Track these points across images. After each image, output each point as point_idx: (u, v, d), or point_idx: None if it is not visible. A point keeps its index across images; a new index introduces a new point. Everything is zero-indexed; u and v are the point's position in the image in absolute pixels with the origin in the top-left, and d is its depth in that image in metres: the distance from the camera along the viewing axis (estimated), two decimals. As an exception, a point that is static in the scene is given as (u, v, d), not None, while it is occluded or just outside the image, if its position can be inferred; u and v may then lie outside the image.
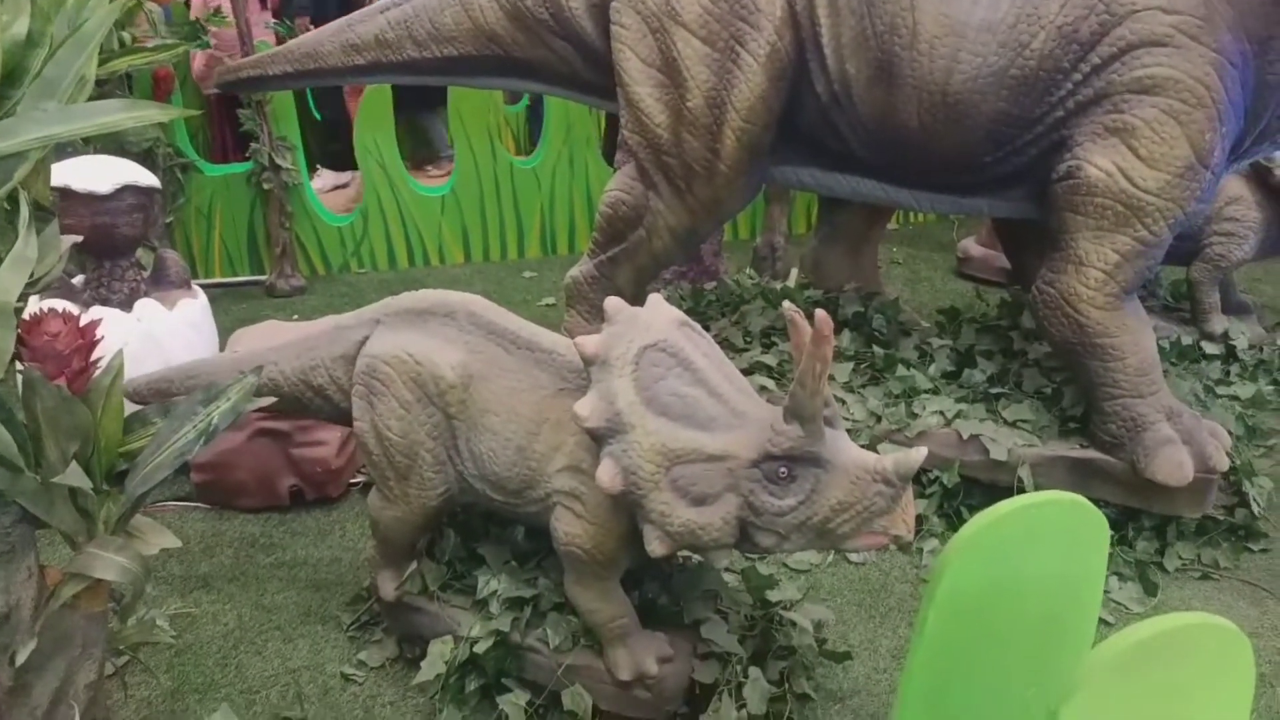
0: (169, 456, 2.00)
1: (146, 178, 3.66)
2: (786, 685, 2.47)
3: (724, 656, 2.41)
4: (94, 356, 2.03)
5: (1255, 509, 3.36)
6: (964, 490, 3.33)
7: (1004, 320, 3.93)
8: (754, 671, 2.40)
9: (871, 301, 4.05)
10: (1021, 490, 3.20)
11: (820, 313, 1.89)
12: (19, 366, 1.85)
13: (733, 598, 2.59)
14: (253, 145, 5.51)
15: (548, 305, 5.41)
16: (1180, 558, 3.24)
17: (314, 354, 2.60)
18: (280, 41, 5.53)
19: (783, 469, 2.03)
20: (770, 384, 3.61)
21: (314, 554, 3.22)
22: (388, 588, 2.62)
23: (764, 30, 3.27)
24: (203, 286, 4.03)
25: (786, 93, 3.36)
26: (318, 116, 7.10)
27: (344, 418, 2.59)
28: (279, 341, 2.73)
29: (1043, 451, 3.26)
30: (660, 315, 2.22)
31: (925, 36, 3.13)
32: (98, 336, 2.01)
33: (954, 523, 3.30)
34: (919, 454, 2.01)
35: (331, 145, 6.89)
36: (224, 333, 4.07)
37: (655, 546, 2.09)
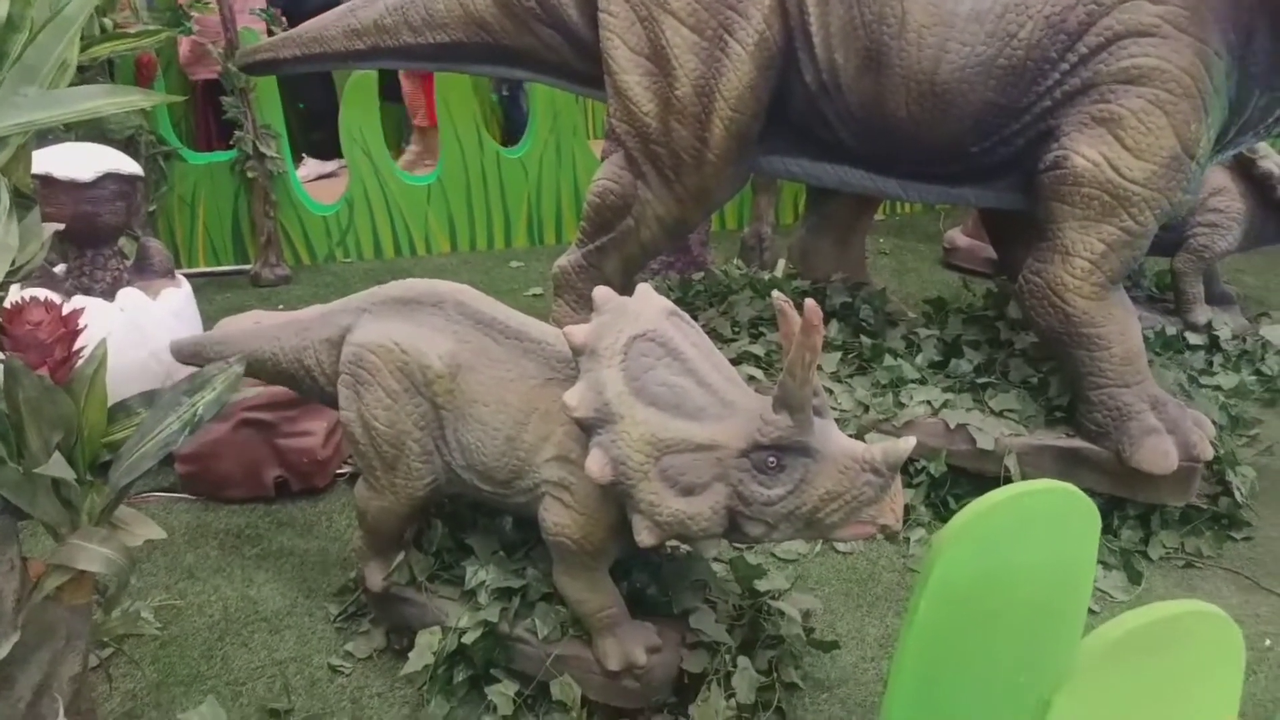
0: (154, 447, 1.98)
1: (129, 165, 3.62)
2: (775, 674, 2.47)
3: (713, 646, 2.41)
4: (77, 346, 2.00)
5: (1238, 498, 3.39)
6: (951, 480, 3.34)
7: (991, 310, 3.94)
8: (743, 661, 2.40)
9: (859, 292, 4.05)
10: (1008, 480, 3.22)
11: (809, 302, 1.89)
12: (0, 356, 1.82)
13: (721, 587, 2.59)
14: (237, 134, 5.46)
15: (534, 295, 5.39)
16: (1164, 546, 3.26)
17: (307, 335, 2.61)
18: (268, 29, 5.49)
19: (771, 458, 2.02)
20: (758, 374, 3.61)
21: (300, 545, 3.21)
22: (375, 578, 2.61)
23: (752, 19, 3.26)
24: (186, 276, 3.98)
25: (775, 82, 3.35)
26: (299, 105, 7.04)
27: (332, 402, 2.59)
28: (273, 322, 2.75)
29: (1029, 441, 3.27)
30: (649, 305, 2.21)
31: (913, 25, 3.12)
32: (81, 325, 1.99)
33: (941, 512, 3.32)
34: (907, 444, 2.02)
35: (314, 134, 6.83)
36: (208, 322, 4.03)
37: (644, 536, 2.09)
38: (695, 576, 2.55)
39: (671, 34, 3.32)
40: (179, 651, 2.70)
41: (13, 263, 1.80)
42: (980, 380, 3.51)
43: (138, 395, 2.08)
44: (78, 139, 4.09)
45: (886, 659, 2.73)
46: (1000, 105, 3.14)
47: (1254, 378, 4.30)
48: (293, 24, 5.01)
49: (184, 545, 3.18)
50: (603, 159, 3.65)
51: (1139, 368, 3.18)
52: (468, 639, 2.40)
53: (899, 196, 3.61)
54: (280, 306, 5.01)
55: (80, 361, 1.99)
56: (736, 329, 3.91)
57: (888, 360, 3.59)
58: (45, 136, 3.88)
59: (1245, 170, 4.51)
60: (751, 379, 3.55)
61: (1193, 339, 4.36)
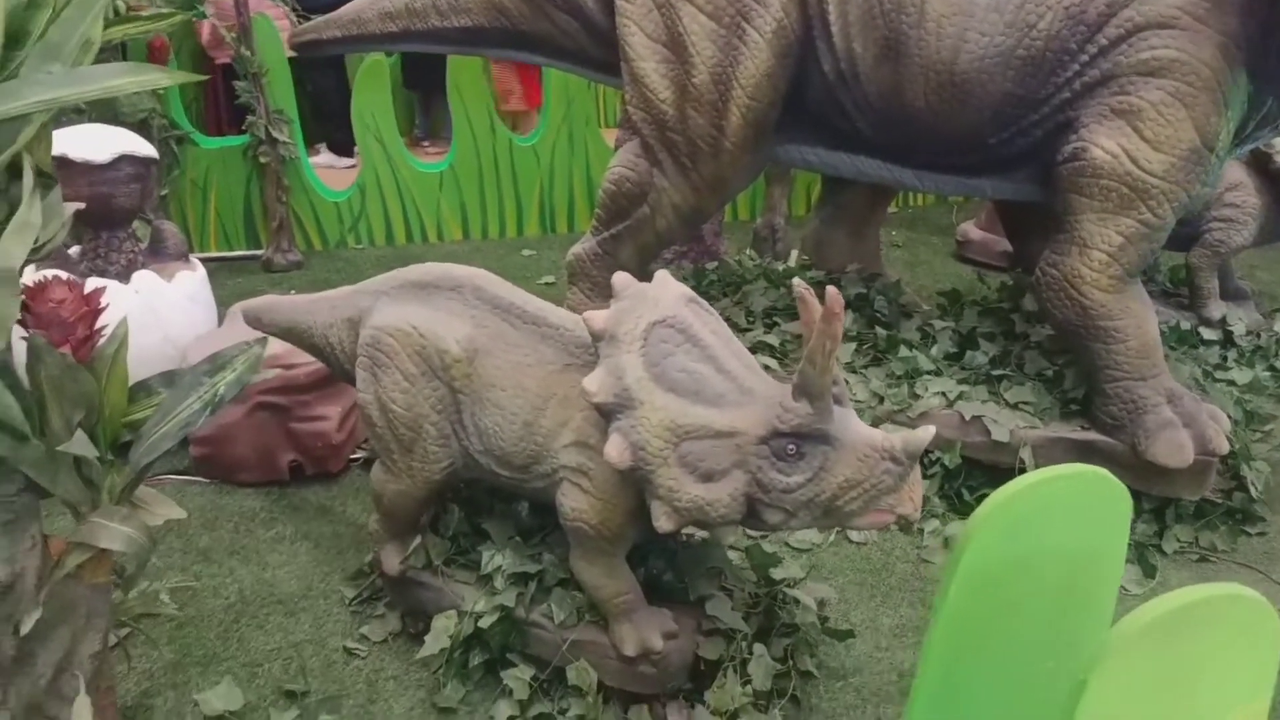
0: (174, 427, 1.98)
1: (144, 148, 3.63)
2: (790, 662, 2.48)
3: (729, 633, 2.41)
4: (97, 325, 2.00)
5: (1253, 492, 3.37)
6: (965, 472, 3.33)
7: (1006, 303, 3.92)
8: (758, 648, 2.40)
9: (874, 283, 4.04)
10: (1023, 471, 3.21)
11: (831, 290, 1.88)
12: (22, 333, 1.82)
13: (736, 575, 2.59)
14: (249, 118, 5.45)
15: (547, 284, 5.38)
16: (1178, 540, 3.25)
17: (334, 312, 2.64)
18: (295, 18, 5.50)
19: (791, 446, 2.02)
20: (773, 364, 3.60)
21: (314, 529, 3.21)
22: (391, 562, 2.61)
23: (771, 7, 3.25)
24: (198, 260, 3.99)
25: (793, 70, 3.34)
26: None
27: (354, 380, 2.60)
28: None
29: (1044, 433, 3.26)
30: (668, 291, 2.21)
31: (933, 15, 3.11)
32: (102, 304, 1.99)
33: (955, 504, 3.31)
34: (927, 433, 2.01)
35: (324, 122, 6.81)
36: (220, 306, 4.04)
37: (663, 522, 2.09)
38: (711, 564, 2.55)
39: (689, 21, 3.31)
40: (195, 632, 2.71)
41: (35, 241, 1.80)
42: (995, 372, 3.50)
43: (158, 375, 2.08)
44: (91, 121, 4.09)
45: (901, 649, 2.73)
46: (1019, 96, 3.13)
47: (1268, 373, 4.27)
48: (309, 14, 5.03)
49: (198, 528, 3.18)
50: (617, 147, 3.64)
51: (1155, 361, 3.17)
52: (484, 623, 2.40)
53: (915, 187, 3.60)
54: (292, 291, 5.00)
55: (101, 341, 1.99)
56: (751, 319, 3.90)
57: (903, 351, 3.58)
58: (60, 118, 3.87)
59: (1262, 165, 4.48)
60: (766, 368, 3.54)
61: (1207, 334, 4.34)
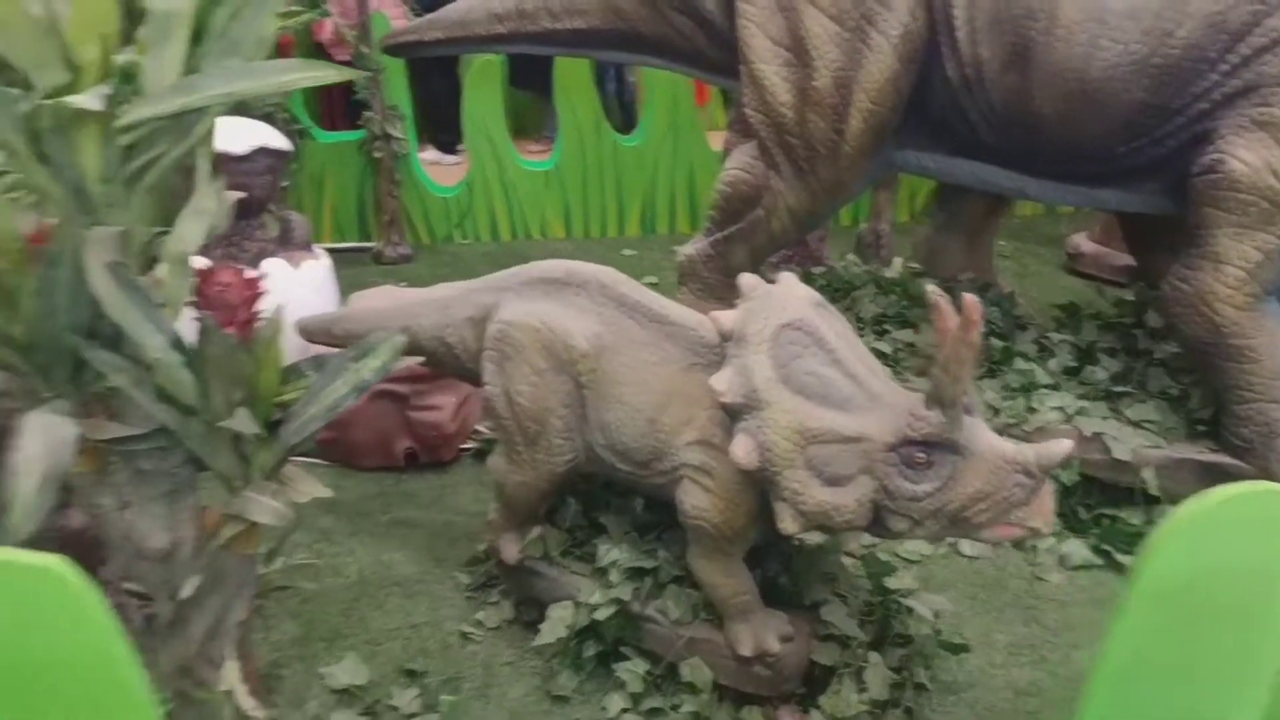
0: (322, 409, 2.06)
1: (279, 140, 3.78)
2: (905, 673, 2.45)
3: (844, 640, 2.40)
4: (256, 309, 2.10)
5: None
6: (1082, 489, 3.25)
7: (1127, 318, 3.81)
8: (874, 656, 2.39)
9: (987, 293, 3.96)
10: (1145, 493, 3.13)
11: (969, 298, 1.86)
12: (193, 314, 1.92)
13: (850, 581, 2.58)
14: (365, 114, 5.62)
15: (649, 284, 5.40)
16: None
17: (449, 313, 2.68)
18: (412, 14, 5.67)
19: (921, 454, 2.01)
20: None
21: (427, 517, 3.30)
22: (510, 551, 2.67)
23: (896, 10, 3.22)
24: (322, 250, 4.13)
25: (916, 75, 3.30)
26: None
27: (470, 377, 2.66)
28: (409, 300, 2.83)
29: (1168, 453, 3.16)
30: (795, 294, 2.21)
31: (1064, 21, 3.04)
32: (262, 290, 2.08)
33: (1071, 522, 3.23)
34: (1064, 446, 1.98)
35: (433, 119, 6.97)
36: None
37: (787, 524, 2.09)
38: (825, 569, 2.55)
39: (812, 24, 3.30)
40: (319, 608, 2.81)
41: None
42: (1116, 389, 3.41)
43: (307, 359, 2.17)
44: (225, 114, 4.27)
45: (1016, 666, 2.68)
46: (1153, 106, 3.04)
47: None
48: (427, 12, 5.15)
49: (320, 509, 3.29)
50: (727, 149, 3.66)
51: (1290, 382, 3.05)
52: (600, 615, 2.44)
53: (1036, 197, 3.53)
54: (403, 284, 5.14)
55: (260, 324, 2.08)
56: (861, 326, 3.87)
57: (1019, 364, 3.51)
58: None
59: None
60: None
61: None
